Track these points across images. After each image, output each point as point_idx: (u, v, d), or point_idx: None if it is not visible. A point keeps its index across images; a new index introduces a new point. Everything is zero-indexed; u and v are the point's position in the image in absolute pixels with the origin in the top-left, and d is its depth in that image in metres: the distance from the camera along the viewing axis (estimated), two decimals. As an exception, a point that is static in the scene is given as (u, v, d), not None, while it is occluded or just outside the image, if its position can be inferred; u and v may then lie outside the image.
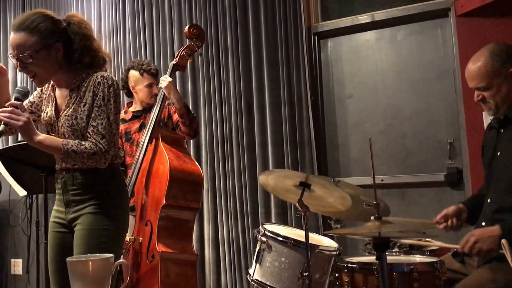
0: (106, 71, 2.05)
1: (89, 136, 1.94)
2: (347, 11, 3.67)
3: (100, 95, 1.95)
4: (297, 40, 3.55)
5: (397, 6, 3.49)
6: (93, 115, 1.94)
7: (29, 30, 1.91)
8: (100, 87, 1.95)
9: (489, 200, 2.14)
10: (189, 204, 2.89)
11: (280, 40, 3.60)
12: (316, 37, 3.71)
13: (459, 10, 3.21)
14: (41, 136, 1.90)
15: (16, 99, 1.89)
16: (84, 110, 1.96)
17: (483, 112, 2.86)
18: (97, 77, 1.97)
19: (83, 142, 1.92)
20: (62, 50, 1.97)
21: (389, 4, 3.53)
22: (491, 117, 2.20)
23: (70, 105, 1.99)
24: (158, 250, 2.71)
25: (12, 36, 1.94)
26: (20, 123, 1.83)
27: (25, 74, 2.04)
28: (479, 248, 1.90)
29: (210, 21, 3.82)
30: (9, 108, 1.84)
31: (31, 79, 2.00)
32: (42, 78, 1.99)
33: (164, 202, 2.76)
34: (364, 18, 3.59)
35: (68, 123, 1.96)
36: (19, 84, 4.46)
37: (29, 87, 2.03)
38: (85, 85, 1.98)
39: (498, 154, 2.14)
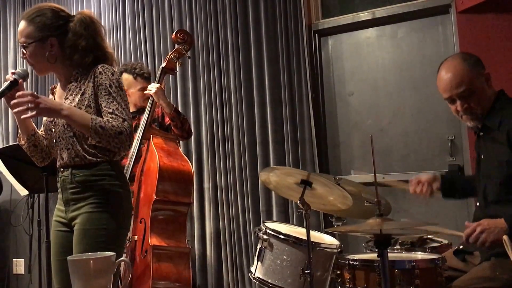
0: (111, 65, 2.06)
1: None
2: (348, 8, 3.67)
3: (106, 83, 1.95)
4: (297, 38, 3.54)
5: (397, 3, 3.49)
6: (105, 103, 1.94)
7: (28, 20, 2.00)
8: (102, 75, 1.97)
9: (478, 204, 2.14)
10: (179, 199, 2.96)
11: (281, 38, 3.59)
12: (316, 34, 3.71)
13: (459, 6, 3.20)
14: (68, 110, 1.87)
15: (14, 80, 1.95)
16: (83, 99, 1.97)
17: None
18: (97, 67, 1.99)
19: (110, 120, 1.90)
20: (58, 45, 2.00)
21: (390, 1, 3.53)
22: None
23: (69, 96, 2.01)
24: (150, 244, 2.76)
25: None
26: (34, 112, 1.79)
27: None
28: (484, 239, 1.85)
29: (210, 19, 3.82)
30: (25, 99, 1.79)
31: (31, 68, 2.07)
32: (38, 68, 2.05)
33: (155, 197, 2.83)
34: (364, 15, 3.58)
35: None
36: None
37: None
38: (85, 76, 2.00)
39: (482, 157, 2.14)
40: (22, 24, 2.00)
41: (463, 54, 2.15)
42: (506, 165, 1.96)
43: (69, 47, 2.00)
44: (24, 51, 2.00)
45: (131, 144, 1.95)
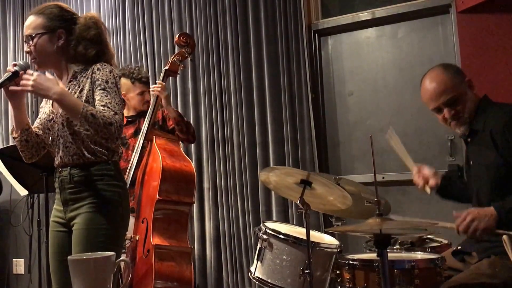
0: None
1: None
2: (348, 8, 3.67)
3: (103, 79, 1.97)
4: (297, 38, 3.54)
5: (397, 2, 3.49)
6: (99, 97, 1.94)
7: (38, 13, 2.05)
8: (99, 72, 1.98)
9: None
10: (182, 199, 2.97)
11: (281, 37, 3.59)
12: (316, 34, 3.71)
13: (460, 6, 3.20)
14: (59, 95, 1.86)
15: (15, 72, 1.96)
16: (82, 95, 1.98)
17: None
18: (96, 65, 2.01)
19: (102, 111, 1.89)
20: (64, 39, 2.03)
21: (390, 1, 3.53)
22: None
23: None
24: (153, 244, 2.76)
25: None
26: (29, 87, 1.85)
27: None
28: (475, 227, 1.88)
29: (210, 19, 3.82)
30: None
31: (32, 61, 2.07)
32: (40, 61, 2.06)
33: (158, 197, 2.83)
34: (364, 15, 3.58)
35: None
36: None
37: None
38: (84, 74, 2.02)
39: (471, 163, 2.15)
40: (30, 18, 2.04)
41: (444, 64, 2.19)
42: (494, 168, 1.99)
43: (75, 38, 2.04)
44: (30, 43, 2.01)
45: (119, 137, 1.94)
